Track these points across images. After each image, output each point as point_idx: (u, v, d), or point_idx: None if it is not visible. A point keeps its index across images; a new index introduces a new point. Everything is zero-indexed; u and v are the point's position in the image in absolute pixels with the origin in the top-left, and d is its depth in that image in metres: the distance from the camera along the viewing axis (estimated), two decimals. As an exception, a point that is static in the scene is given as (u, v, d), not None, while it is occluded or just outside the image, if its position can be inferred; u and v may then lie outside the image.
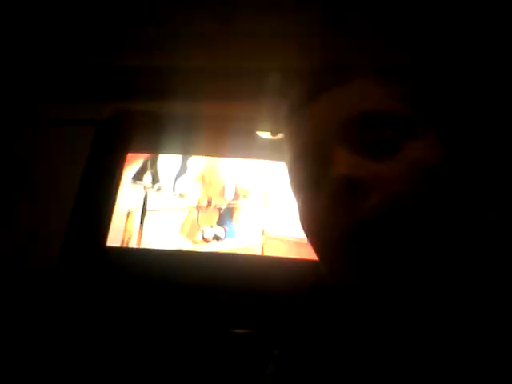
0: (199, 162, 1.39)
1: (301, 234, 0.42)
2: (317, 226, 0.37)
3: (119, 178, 1.33)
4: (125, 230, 1.29)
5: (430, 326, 0.35)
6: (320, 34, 1.40)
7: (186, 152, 1.39)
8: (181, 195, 1.34)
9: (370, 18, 1.41)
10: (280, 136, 1.36)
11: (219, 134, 1.38)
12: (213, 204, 1.34)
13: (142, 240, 1.30)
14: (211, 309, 1.18)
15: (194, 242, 1.30)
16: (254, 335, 1.13)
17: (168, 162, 1.39)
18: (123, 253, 1.28)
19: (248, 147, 1.38)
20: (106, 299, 1.20)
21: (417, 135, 0.35)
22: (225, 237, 1.30)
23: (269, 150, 1.37)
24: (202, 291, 1.20)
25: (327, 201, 0.35)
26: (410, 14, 1.25)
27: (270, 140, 1.38)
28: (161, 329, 1.16)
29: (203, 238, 1.30)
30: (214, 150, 1.39)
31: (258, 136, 1.38)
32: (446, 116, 0.39)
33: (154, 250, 1.28)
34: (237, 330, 1.15)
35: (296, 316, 0.48)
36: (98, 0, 1.24)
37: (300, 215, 0.40)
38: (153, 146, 1.40)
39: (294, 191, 0.42)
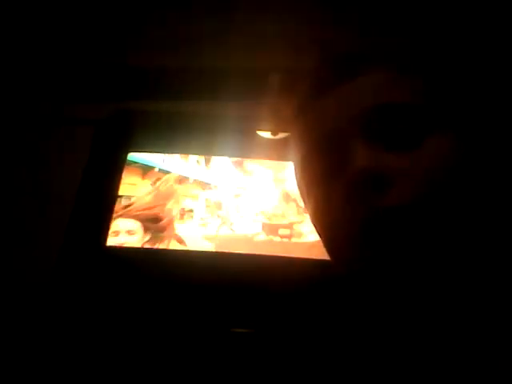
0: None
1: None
2: (333, 216, 0.36)
3: (119, 178, 1.33)
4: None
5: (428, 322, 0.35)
6: (320, 34, 1.41)
7: (186, 151, 1.39)
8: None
9: (371, 17, 1.41)
10: (281, 135, 1.36)
11: (219, 134, 1.37)
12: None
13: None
14: (212, 308, 1.18)
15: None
16: (254, 335, 1.13)
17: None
18: (123, 252, 1.28)
19: (248, 147, 1.38)
20: (106, 299, 1.19)
21: (435, 129, 0.35)
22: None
23: (269, 150, 1.37)
24: (203, 290, 1.20)
25: (345, 191, 0.34)
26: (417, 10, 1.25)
27: (271, 139, 1.38)
28: (161, 328, 1.16)
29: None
30: (215, 149, 1.39)
31: (259, 135, 1.39)
32: (463, 110, 0.38)
33: (154, 249, 1.28)
34: (238, 330, 1.15)
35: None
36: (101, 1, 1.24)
37: (314, 209, 0.40)
38: (153, 146, 1.39)
39: (306, 185, 0.41)
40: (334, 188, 0.36)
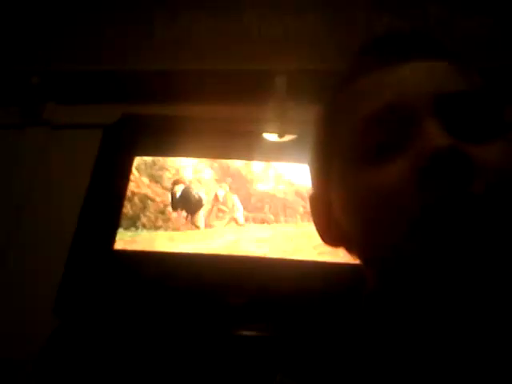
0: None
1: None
2: (385, 201, 0.32)
3: (126, 182, 1.33)
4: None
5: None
6: (325, 35, 1.42)
7: (194, 155, 1.39)
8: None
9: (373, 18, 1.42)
10: (287, 138, 1.36)
11: (226, 137, 1.38)
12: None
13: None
14: (220, 311, 1.18)
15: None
16: (259, 339, 1.13)
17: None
18: (131, 255, 1.28)
19: (255, 149, 1.38)
20: (114, 301, 1.19)
21: (501, 124, 0.34)
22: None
23: (275, 152, 1.38)
24: (211, 293, 1.20)
25: (409, 174, 0.31)
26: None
27: (277, 142, 1.38)
28: (168, 332, 1.16)
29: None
30: (221, 152, 1.39)
31: (265, 138, 1.39)
32: None
33: (161, 252, 1.28)
34: (243, 333, 1.15)
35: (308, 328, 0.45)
36: (103, 2, 1.25)
37: (354, 190, 0.36)
38: (160, 150, 1.40)
39: (345, 162, 0.37)
40: (389, 167, 0.33)
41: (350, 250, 0.40)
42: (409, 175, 0.31)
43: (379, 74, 0.36)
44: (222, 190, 1.36)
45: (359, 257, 0.39)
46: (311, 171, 0.44)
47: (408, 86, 0.34)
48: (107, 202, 1.31)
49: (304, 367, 0.39)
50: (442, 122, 0.32)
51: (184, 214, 1.32)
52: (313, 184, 0.44)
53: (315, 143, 0.43)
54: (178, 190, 1.34)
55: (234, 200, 1.34)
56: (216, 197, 1.35)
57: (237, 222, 1.31)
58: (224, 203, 1.34)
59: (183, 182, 1.36)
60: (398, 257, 0.32)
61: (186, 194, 1.35)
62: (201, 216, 1.33)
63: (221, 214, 1.33)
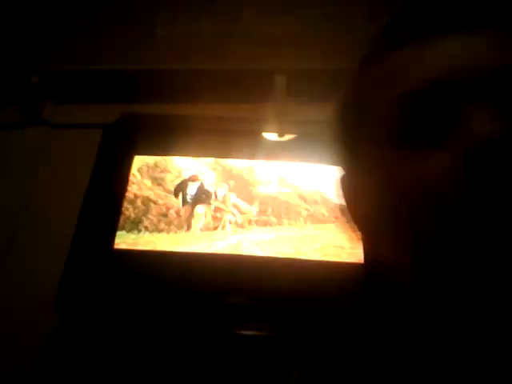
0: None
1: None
2: (419, 199, 0.28)
3: (126, 181, 1.33)
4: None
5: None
6: (325, 35, 1.42)
7: (193, 154, 1.39)
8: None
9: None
10: (287, 137, 1.36)
11: (225, 136, 1.38)
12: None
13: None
14: (220, 311, 1.18)
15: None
16: (259, 338, 1.13)
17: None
18: (131, 255, 1.28)
19: (255, 148, 1.38)
20: (113, 302, 1.19)
21: None
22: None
23: (275, 151, 1.38)
24: (212, 293, 1.20)
25: (453, 165, 0.26)
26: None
27: (277, 141, 1.38)
28: (168, 331, 1.16)
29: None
30: (221, 151, 1.39)
31: (265, 137, 1.39)
32: None
33: (161, 252, 1.28)
34: (244, 333, 1.15)
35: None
36: (103, 2, 1.25)
37: (376, 178, 0.32)
38: (160, 149, 1.40)
39: (372, 146, 0.32)
40: (428, 154, 0.28)
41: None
42: (452, 166, 0.26)
43: (416, 48, 0.31)
44: (222, 190, 1.36)
45: (381, 256, 0.35)
46: (336, 157, 0.40)
47: (453, 62, 0.29)
48: (107, 201, 1.31)
49: (320, 366, 0.37)
50: (493, 105, 0.27)
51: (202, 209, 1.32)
52: (341, 168, 0.40)
53: (338, 128, 0.38)
54: (194, 186, 1.35)
55: (234, 200, 1.34)
56: (215, 195, 1.35)
57: (237, 224, 1.31)
58: (223, 202, 1.34)
59: (198, 179, 1.36)
60: (434, 263, 0.28)
61: (201, 189, 1.35)
62: (202, 209, 1.33)
63: (219, 215, 1.32)
